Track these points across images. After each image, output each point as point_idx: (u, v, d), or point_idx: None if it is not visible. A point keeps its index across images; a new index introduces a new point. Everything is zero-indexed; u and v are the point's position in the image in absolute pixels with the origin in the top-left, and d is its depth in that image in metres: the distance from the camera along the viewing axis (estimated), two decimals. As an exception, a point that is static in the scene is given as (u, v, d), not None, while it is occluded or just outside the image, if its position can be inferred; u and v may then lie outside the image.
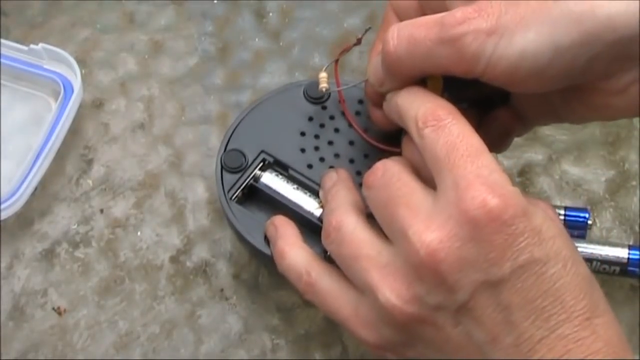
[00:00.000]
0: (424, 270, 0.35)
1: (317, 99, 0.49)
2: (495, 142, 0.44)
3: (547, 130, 0.53)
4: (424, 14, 0.40)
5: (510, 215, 0.33)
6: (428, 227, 0.35)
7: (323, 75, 0.46)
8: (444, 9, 0.38)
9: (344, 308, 0.39)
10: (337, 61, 0.46)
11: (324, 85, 0.46)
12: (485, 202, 0.34)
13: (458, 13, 0.36)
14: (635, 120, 0.53)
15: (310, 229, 0.46)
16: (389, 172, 0.38)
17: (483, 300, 0.34)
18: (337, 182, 0.43)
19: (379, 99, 0.43)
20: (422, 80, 0.40)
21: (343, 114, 0.48)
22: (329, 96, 0.49)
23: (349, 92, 0.49)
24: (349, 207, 0.40)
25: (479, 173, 0.34)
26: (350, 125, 0.48)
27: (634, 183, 0.51)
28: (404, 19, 0.42)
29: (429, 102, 0.38)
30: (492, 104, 0.44)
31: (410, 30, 0.38)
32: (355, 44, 0.45)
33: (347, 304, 0.39)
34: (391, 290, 0.36)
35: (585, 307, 0.34)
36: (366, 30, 0.45)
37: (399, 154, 0.41)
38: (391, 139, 0.45)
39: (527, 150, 0.52)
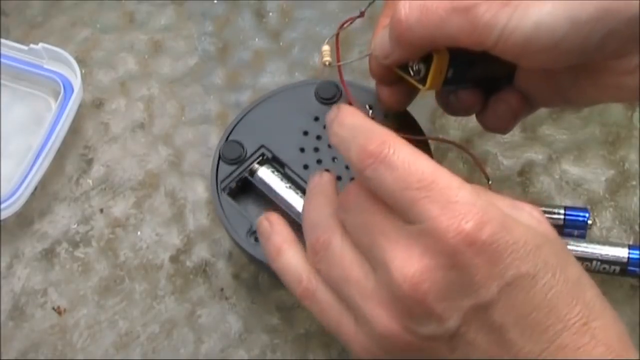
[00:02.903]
0: (410, 303, 0.33)
1: (328, 99, 0.49)
2: (501, 124, 0.44)
3: (547, 130, 0.53)
4: None
5: (488, 233, 0.32)
6: (409, 259, 0.33)
7: (325, 48, 0.45)
8: None
9: (345, 326, 0.37)
10: (338, 35, 0.45)
11: (327, 59, 0.45)
12: (459, 229, 0.32)
13: None
14: (636, 120, 0.53)
15: (297, 229, 0.45)
16: (363, 194, 0.36)
17: (475, 324, 0.33)
18: (317, 185, 0.40)
19: (384, 74, 0.43)
20: (429, 55, 0.40)
21: (372, 108, 0.48)
22: (340, 97, 0.49)
23: (360, 95, 0.48)
24: (332, 222, 0.38)
25: (443, 199, 0.33)
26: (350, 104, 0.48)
27: (634, 183, 0.51)
28: None
29: (357, 136, 0.35)
30: (497, 84, 0.43)
31: (423, 0, 0.37)
32: (358, 17, 0.45)
33: (347, 322, 0.37)
34: (384, 320, 0.35)
35: (580, 312, 0.33)
36: (370, 4, 0.45)
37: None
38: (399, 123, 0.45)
39: (527, 150, 0.52)
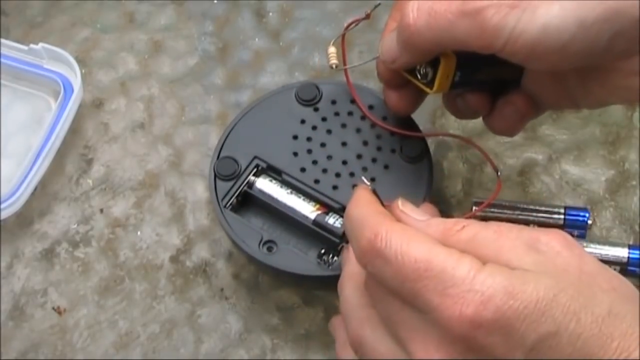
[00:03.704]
0: None
1: (309, 100, 0.49)
2: (509, 127, 0.44)
3: (547, 130, 0.53)
4: None
5: (493, 310, 0.31)
6: (428, 351, 0.33)
7: (332, 50, 0.45)
8: None
9: None
10: (344, 36, 0.45)
11: (333, 61, 0.45)
12: (462, 316, 0.31)
13: None
14: (636, 120, 0.53)
15: (305, 232, 0.46)
16: (381, 286, 0.35)
17: None
18: (347, 275, 0.39)
19: (392, 78, 0.43)
20: (436, 59, 0.40)
21: (354, 103, 0.48)
22: (321, 97, 0.49)
23: (340, 91, 0.49)
24: (362, 315, 0.37)
25: (440, 285, 0.32)
26: (359, 107, 0.48)
27: (634, 183, 0.51)
28: None
29: (355, 230, 0.35)
30: (504, 87, 0.43)
31: (431, 3, 0.37)
32: (364, 19, 0.45)
33: None
34: None
35: (617, 347, 0.31)
36: (375, 6, 0.45)
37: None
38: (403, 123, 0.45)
39: (527, 150, 0.52)
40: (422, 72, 0.41)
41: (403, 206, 0.37)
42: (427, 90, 0.41)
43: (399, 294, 0.33)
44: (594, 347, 0.31)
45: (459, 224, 0.35)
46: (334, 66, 0.45)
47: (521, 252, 0.33)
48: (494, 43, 0.36)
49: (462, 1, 0.36)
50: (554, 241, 0.34)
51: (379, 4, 0.45)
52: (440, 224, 0.35)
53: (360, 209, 0.37)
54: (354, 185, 0.46)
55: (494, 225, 0.35)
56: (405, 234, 0.34)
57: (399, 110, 0.45)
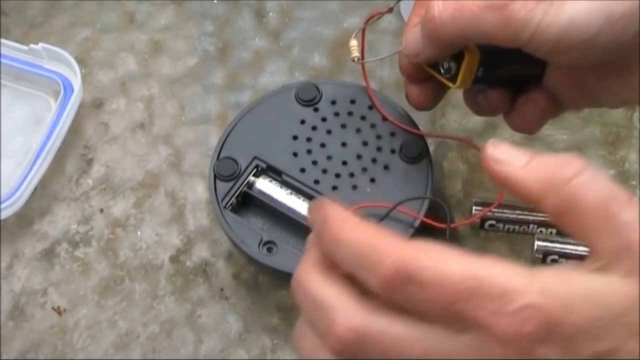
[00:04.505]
0: None
1: (309, 101, 0.49)
2: (529, 125, 0.44)
3: (547, 130, 0.53)
4: None
5: (551, 324, 0.28)
6: None
7: (353, 43, 0.45)
8: None
9: None
10: (364, 29, 0.45)
11: (355, 54, 0.45)
12: (521, 333, 0.28)
13: None
14: (635, 120, 0.53)
15: (305, 233, 0.46)
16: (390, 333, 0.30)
17: None
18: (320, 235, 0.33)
19: (414, 72, 0.43)
20: (460, 53, 0.40)
21: (371, 104, 0.48)
22: (321, 97, 0.49)
23: (340, 91, 0.49)
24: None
25: (494, 304, 0.28)
26: (372, 102, 0.48)
27: (634, 183, 0.51)
28: None
29: (367, 260, 0.30)
30: (526, 84, 0.43)
31: None
32: (387, 12, 0.45)
33: None
34: None
35: None
36: (398, 1, 0.45)
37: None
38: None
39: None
40: (445, 66, 0.41)
41: (495, 151, 0.32)
42: (450, 85, 0.42)
43: (435, 317, 0.29)
44: None
45: (569, 168, 0.31)
46: (355, 59, 0.45)
47: (583, 275, 0.30)
48: (520, 36, 0.36)
49: None
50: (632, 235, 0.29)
51: (393, 5, 0.45)
52: (544, 167, 0.31)
53: (354, 233, 0.31)
54: (354, 186, 0.46)
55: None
56: (435, 253, 0.30)
57: (420, 105, 0.45)
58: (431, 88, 0.44)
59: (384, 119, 0.48)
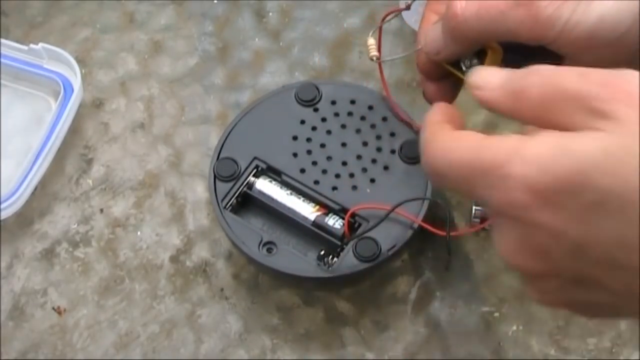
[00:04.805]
0: None
1: (309, 101, 0.49)
2: None
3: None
4: None
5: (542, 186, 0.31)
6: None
7: (371, 42, 0.44)
8: None
9: None
10: (381, 28, 0.45)
11: (374, 53, 0.45)
12: (510, 202, 0.32)
13: None
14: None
15: (305, 233, 0.46)
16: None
17: None
18: None
19: (432, 70, 0.43)
20: (482, 51, 0.40)
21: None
22: (321, 97, 0.49)
23: (340, 91, 0.49)
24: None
25: (485, 181, 0.32)
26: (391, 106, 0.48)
27: None
28: None
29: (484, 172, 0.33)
30: None
31: None
32: (404, 9, 0.44)
33: None
34: None
35: None
36: (408, 5, 0.44)
37: None
38: None
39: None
40: (467, 64, 0.41)
41: (475, 78, 0.36)
42: None
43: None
44: None
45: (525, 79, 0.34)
46: (374, 58, 0.45)
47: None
48: (547, 34, 0.36)
49: None
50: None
51: (410, 2, 0.44)
52: (509, 85, 0.35)
53: (464, 144, 0.35)
54: (354, 186, 0.46)
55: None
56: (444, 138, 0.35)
57: (437, 102, 0.44)
58: (449, 85, 0.44)
59: (401, 119, 0.48)
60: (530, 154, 0.32)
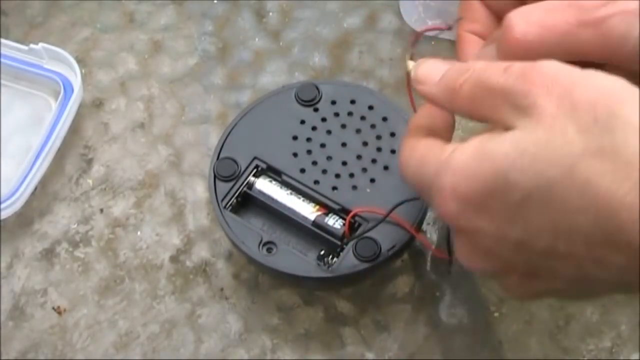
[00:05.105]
0: None
1: (309, 101, 0.49)
2: None
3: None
4: (522, 2, 0.38)
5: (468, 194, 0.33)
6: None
7: (412, 64, 0.40)
8: None
9: None
10: (413, 42, 0.41)
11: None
12: (446, 211, 0.35)
13: None
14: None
15: (305, 233, 0.46)
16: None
17: None
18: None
19: None
20: None
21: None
22: (321, 97, 0.49)
23: (340, 91, 0.49)
24: None
25: (430, 188, 0.36)
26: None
27: None
28: (493, 5, 0.40)
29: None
30: None
31: (542, 14, 0.35)
32: (446, 29, 0.42)
33: None
34: None
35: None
36: (458, 19, 0.42)
37: None
38: None
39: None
40: None
41: (417, 72, 0.38)
42: None
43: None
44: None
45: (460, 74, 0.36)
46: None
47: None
48: (619, 52, 0.34)
49: (579, 10, 0.34)
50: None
51: (461, 18, 0.42)
52: (445, 80, 0.36)
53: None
54: (354, 186, 0.46)
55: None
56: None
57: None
58: None
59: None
60: (456, 163, 0.34)
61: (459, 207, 0.34)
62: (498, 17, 0.41)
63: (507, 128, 0.33)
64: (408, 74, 0.39)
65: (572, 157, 0.31)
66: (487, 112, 0.34)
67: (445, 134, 0.39)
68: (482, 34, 0.42)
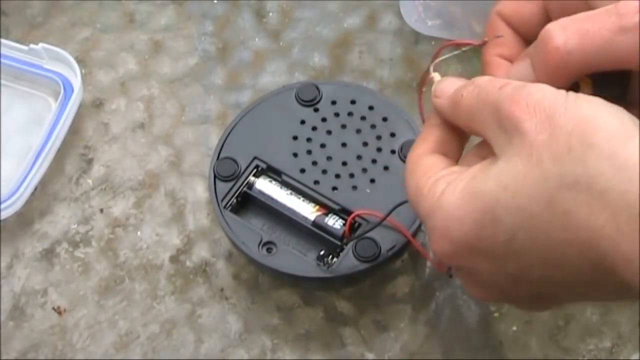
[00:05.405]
0: None
1: (309, 101, 0.49)
2: None
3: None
4: (548, 19, 0.38)
5: (458, 240, 0.34)
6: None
7: (437, 76, 0.40)
8: (586, 8, 0.35)
9: None
10: (436, 55, 0.40)
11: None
12: (441, 253, 0.36)
13: (633, 1, 0.33)
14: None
15: (305, 233, 0.46)
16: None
17: None
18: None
19: None
20: (575, 84, 0.36)
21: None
22: (321, 97, 0.49)
23: (340, 91, 0.49)
24: None
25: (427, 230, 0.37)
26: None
27: None
28: (520, 27, 0.40)
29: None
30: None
31: (580, 23, 0.34)
32: (479, 45, 0.41)
33: None
34: None
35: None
36: (497, 36, 0.41)
37: None
38: None
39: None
40: None
41: (436, 88, 0.39)
42: None
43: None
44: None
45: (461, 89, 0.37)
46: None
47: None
48: None
49: (618, 17, 0.34)
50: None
51: (501, 35, 0.40)
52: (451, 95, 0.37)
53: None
54: (354, 187, 0.46)
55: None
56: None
57: None
58: None
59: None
60: (447, 203, 0.34)
61: (452, 248, 0.34)
62: (525, 39, 0.40)
63: (495, 152, 0.34)
64: (424, 76, 0.40)
65: (549, 190, 0.31)
66: (479, 127, 0.35)
67: (451, 146, 0.39)
68: (509, 58, 0.40)
